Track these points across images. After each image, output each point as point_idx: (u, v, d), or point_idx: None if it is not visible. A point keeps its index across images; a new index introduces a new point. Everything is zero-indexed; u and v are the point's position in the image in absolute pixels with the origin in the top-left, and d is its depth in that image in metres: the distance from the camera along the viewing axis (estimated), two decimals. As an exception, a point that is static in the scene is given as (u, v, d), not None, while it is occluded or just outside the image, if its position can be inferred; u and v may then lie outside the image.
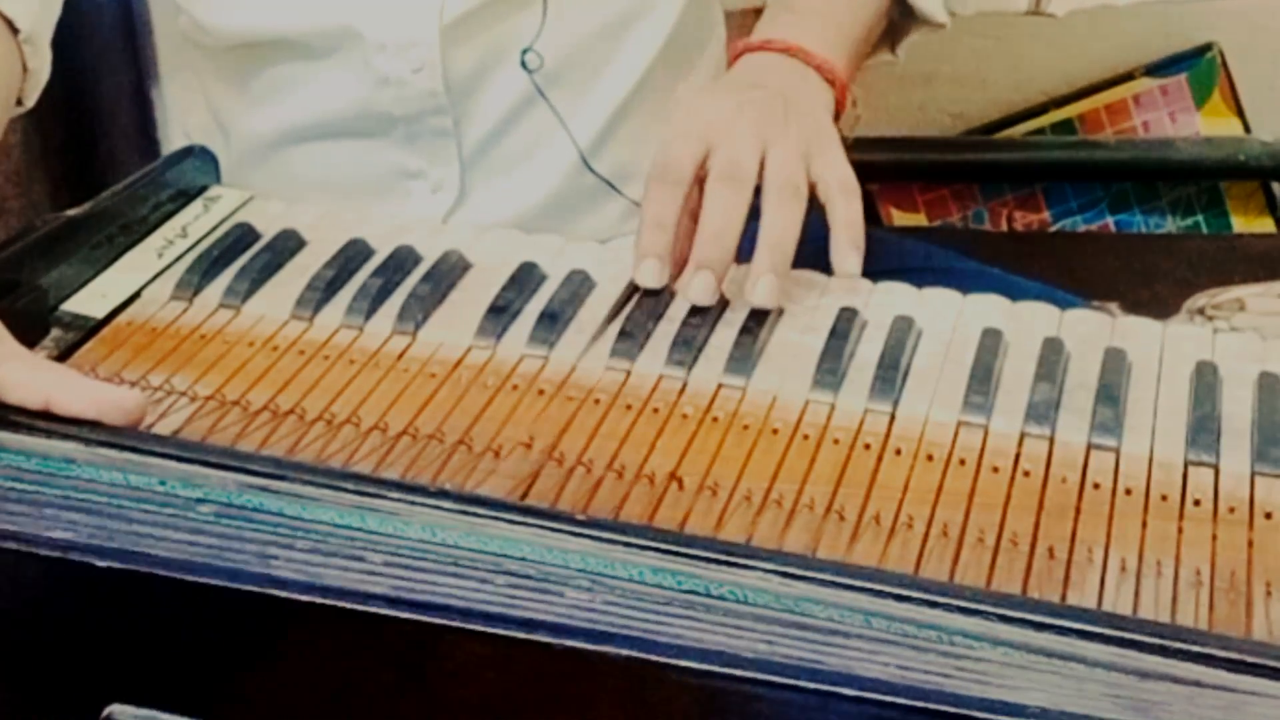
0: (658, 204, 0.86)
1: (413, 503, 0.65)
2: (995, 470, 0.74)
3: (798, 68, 0.94)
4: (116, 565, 0.63)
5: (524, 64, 1.02)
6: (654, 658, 0.59)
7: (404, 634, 0.61)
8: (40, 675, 0.67)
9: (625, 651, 0.60)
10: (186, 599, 0.63)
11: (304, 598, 0.62)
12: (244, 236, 0.90)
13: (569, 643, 0.60)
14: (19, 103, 0.92)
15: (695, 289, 0.84)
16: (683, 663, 0.59)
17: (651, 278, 0.85)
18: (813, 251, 0.87)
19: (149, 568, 0.63)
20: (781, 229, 0.85)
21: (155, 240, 0.91)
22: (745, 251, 0.86)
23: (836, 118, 0.95)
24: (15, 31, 0.89)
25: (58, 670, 0.66)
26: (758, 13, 1.02)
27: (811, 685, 0.58)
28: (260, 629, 0.64)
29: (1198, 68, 1.58)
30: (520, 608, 0.61)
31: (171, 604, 0.64)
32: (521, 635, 0.60)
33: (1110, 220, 1.61)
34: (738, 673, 0.59)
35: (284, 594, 0.62)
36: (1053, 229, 1.62)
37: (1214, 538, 0.70)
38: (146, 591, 0.63)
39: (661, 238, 0.86)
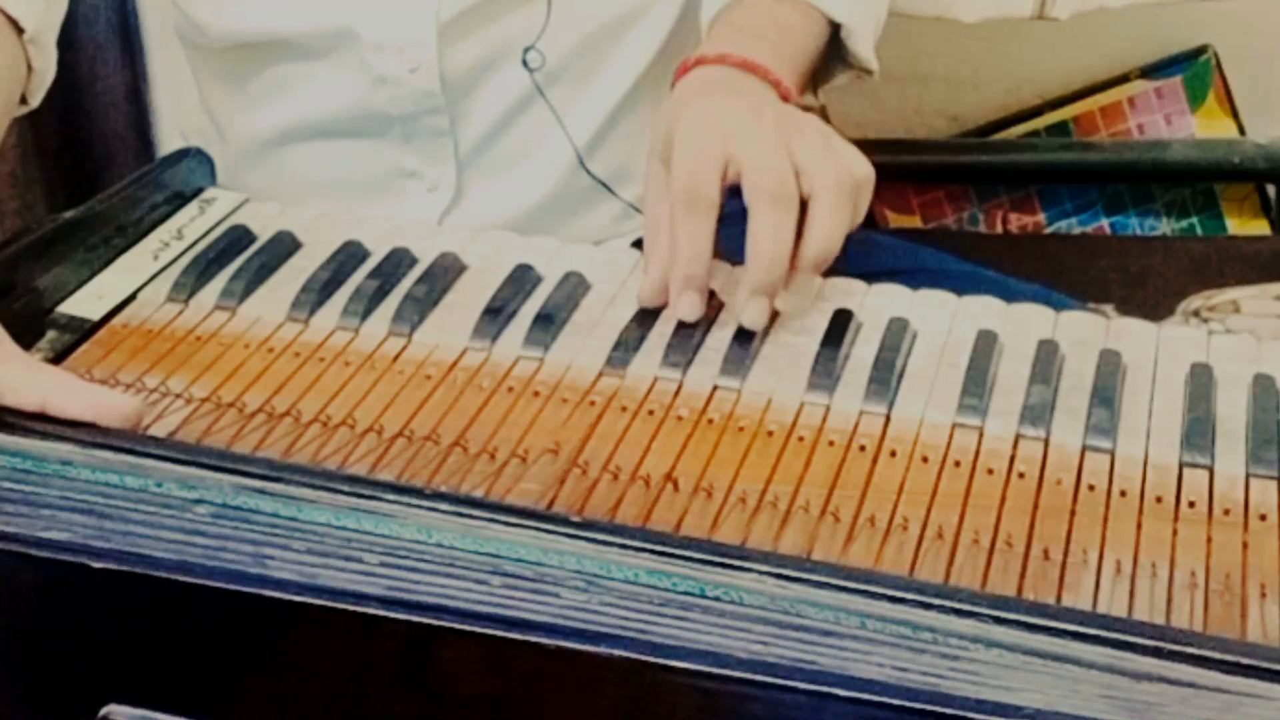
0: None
1: (408, 504, 0.65)
2: (990, 472, 0.74)
3: (756, 83, 0.90)
4: (113, 566, 0.63)
5: (525, 63, 1.02)
6: (649, 659, 0.59)
7: (399, 634, 0.61)
8: (37, 675, 0.67)
9: (620, 653, 0.60)
10: (183, 599, 0.63)
11: (300, 598, 0.62)
12: (240, 238, 0.90)
13: (564, 644, 0.60)
14: (23, 101, 0.92)
15: (682, 309, 0.83)
16: (678, 664, 0.59)
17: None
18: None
19: (145, 569, 0.63)
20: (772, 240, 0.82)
21: (151, 242, 0.91)
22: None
23: None
24: (20, 31, 0.89)
25: (55, 670, 0.66)
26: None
27: (806, 686, 0.58)
28: (256, 629, 0.64)
29: (1193, 70, 1.58)
30: (515, 609, 0.61)
31: (168, 604, 0.64)
32: (517, 636, 0.60)
33: (1105, 222, 1.61)
34: (732, 674, 0.59)
35: (280, 594, 0.62)
36: (1047, 231, 1.62)
37: (1209, 539, 0.70)
38: (143, 592, 0.63)
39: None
